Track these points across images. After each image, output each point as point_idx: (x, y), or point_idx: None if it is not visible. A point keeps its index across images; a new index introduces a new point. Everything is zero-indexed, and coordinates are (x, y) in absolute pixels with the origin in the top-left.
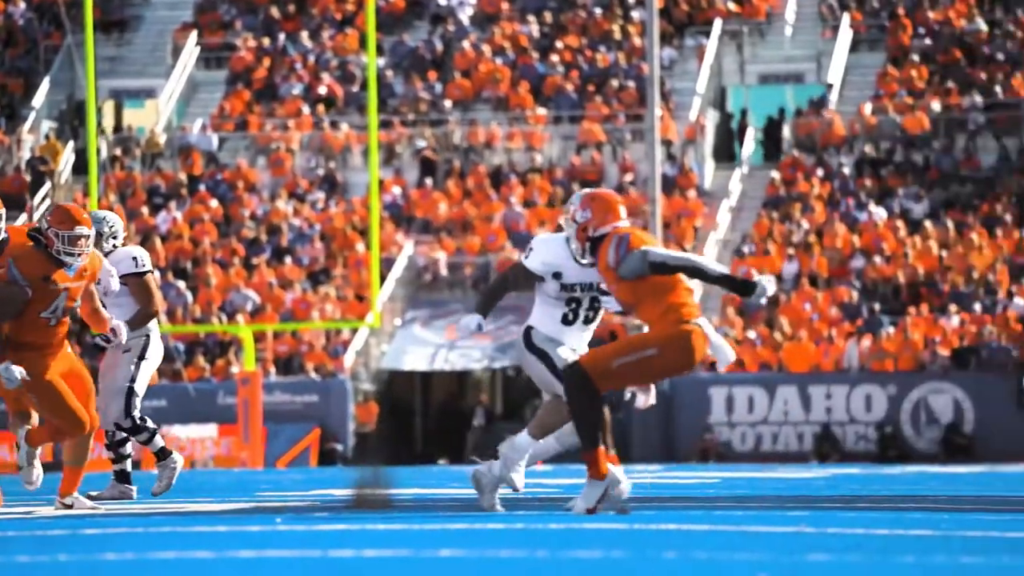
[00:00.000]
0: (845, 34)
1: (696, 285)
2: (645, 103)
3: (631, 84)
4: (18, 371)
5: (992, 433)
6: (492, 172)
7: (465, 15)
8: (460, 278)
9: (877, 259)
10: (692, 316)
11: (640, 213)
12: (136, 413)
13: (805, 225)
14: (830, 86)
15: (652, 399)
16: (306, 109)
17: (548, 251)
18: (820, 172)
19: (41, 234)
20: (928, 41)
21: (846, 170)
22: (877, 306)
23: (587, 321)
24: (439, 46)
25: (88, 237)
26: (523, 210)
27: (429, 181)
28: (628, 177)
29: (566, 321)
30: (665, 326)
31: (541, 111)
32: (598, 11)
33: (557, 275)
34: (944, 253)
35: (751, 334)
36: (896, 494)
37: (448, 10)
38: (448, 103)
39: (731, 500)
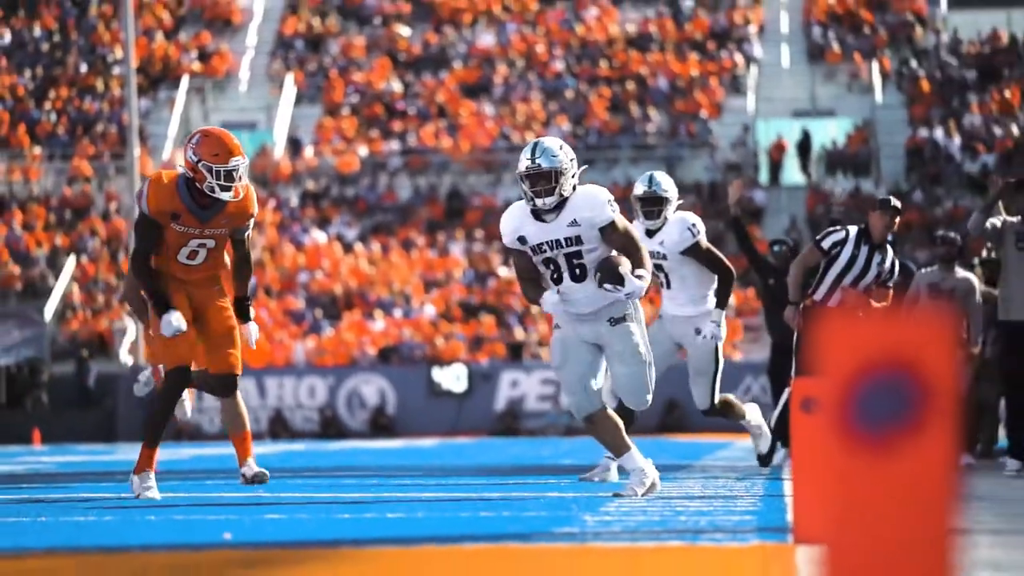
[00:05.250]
0: (289, 91)
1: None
2: (126, 144)
3: (114, 128)
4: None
5: (409, 414)
6: None
7: None
8: None
9: (319, 274)
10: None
11: (119, 236)
12: None
13: (260, 245)
14: (295, 139)
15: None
16: None
17: (508, 220)
18: (272, 203)
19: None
20: (356, 98)
21: (293, 201)
22: (319, 312)
23: (576, 279)
24: None
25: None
26: (23, 232)
27: None
28: (113, 205)
29: (554, 280)
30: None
31: (37, 150)
32: (84, 67)
33: (522, 239)
34: (371, 269)
35: None
36: (334, 465)
37: None
38: None
39: (201, 472)
